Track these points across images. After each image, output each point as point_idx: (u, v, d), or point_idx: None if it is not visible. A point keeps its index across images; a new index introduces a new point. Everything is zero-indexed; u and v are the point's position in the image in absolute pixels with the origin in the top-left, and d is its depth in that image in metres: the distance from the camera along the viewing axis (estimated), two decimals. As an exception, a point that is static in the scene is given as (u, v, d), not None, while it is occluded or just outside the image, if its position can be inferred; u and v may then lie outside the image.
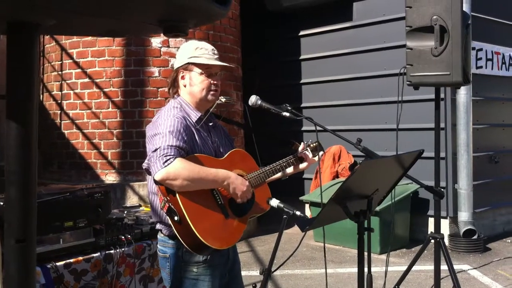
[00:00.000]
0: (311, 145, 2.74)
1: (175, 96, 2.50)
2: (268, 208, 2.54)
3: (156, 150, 2.19)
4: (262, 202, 2.52)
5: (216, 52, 2.48)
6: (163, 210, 2.25)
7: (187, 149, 2.27)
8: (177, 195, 2.18)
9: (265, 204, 2.52)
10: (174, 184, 2.16)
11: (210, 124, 2.53)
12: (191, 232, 2.18)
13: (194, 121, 2.40)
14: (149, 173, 2.30)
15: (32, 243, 0.98)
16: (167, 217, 2.27)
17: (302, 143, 2.75)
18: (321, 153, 2.76)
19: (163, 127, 2.26)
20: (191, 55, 2.42)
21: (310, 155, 2.71)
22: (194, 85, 2.43)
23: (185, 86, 2.46)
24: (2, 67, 0.99)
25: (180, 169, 2.15)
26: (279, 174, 2.66)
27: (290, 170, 2.70)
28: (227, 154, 2.49)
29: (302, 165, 2.71)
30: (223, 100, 2.54)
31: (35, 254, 0.99)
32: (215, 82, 2.45)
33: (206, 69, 2.43)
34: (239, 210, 2.41)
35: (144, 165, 2.34)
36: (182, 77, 2.46)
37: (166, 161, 2.14)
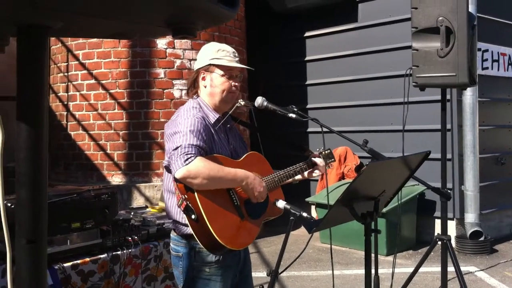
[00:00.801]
0: (323, 153, 2.76)
1: (194, 96, 2.51)
2: (281, 212, 2.55)
3: (177, 148, 2.21)
4: (276, 206, 2.54)
5: (236, 54, 2.51)
6: (181, 207, 2.27)
7: (207, 149, 2.29)
8: (195, 193, 2.21)
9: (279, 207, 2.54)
10: (194, 182, 2.18)
11: (228, 126, 2.55)
12: (208, 231, 2.20)
13: (212, 122, 2.42)
14: (169, 171, 2.32)
15: (43, 243, 0.98)
16: (183, 215, 2.28)
17: (317, 150, 2.78)
18: (331, 160, 2.79)
19: (183, 126, 2.28)
20: (213, 56, 2.44)
21: (322, 163, 2.73)
22: (214, 87, 2.45)
23: (205, 87, 2.48)
24: (12, 69, 1.00)
25: (201, 167, 2.17)
26: (290, 179, 2.68)
27: (302, 175, 2.73)
28: (244, 156, 2.51)
29: (315, 173, 2.74)
30: (242, 103, 2.55)
31: (45, 254, 1.00)
32: (235, 84, 2.47)
33: (228, 71, 2.45)
34: (254, 212, 2.43)
35: (164, 163, 2.36)
36: (203, 78, 2.48)
37: (187, 159, 2.16)
